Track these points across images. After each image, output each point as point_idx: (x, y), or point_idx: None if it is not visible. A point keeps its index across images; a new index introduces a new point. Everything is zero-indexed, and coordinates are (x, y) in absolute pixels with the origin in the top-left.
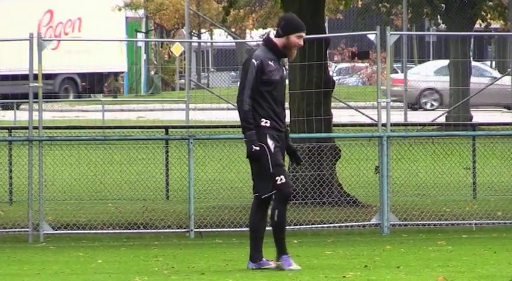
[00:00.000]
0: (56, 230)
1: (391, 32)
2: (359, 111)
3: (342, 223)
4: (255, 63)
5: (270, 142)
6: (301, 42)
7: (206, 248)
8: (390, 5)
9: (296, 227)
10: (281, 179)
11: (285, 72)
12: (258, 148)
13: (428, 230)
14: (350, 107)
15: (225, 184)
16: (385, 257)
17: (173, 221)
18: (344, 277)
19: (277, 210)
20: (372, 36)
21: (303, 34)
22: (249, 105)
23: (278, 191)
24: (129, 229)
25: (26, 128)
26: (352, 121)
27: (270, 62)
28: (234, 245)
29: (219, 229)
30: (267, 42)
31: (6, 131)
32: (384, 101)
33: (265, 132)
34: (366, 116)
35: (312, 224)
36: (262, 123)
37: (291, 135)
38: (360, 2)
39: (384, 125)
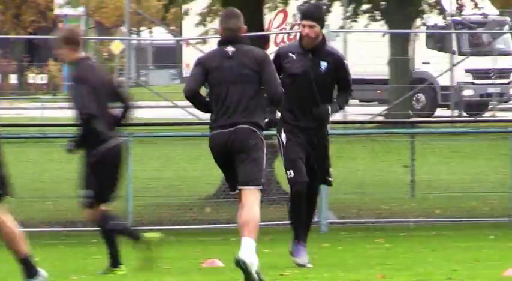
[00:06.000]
0: None
1: (331, 30)
2: None
3: (280, 221)
4: (275, 54)
5: (283, 135)
6: (306, 31)
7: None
8: (330, 2)
9: (234, 225)
10: (289, 174)
11: (322, 67)
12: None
13: (366, 228)
14: None
15: (164, 182)
16: (323, 255)
17: None
18: (281, 275)
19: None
20: None
21: (305, 22)
22: None
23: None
24: (68, 227)
25: None
26: None
27: (290, 54)
28: (172, 243)
29: (158, 227)
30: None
31: None
32: None
33: (280, 124)
34: None
35: None
36: (278, 115)
37: None
38: None
39: None
